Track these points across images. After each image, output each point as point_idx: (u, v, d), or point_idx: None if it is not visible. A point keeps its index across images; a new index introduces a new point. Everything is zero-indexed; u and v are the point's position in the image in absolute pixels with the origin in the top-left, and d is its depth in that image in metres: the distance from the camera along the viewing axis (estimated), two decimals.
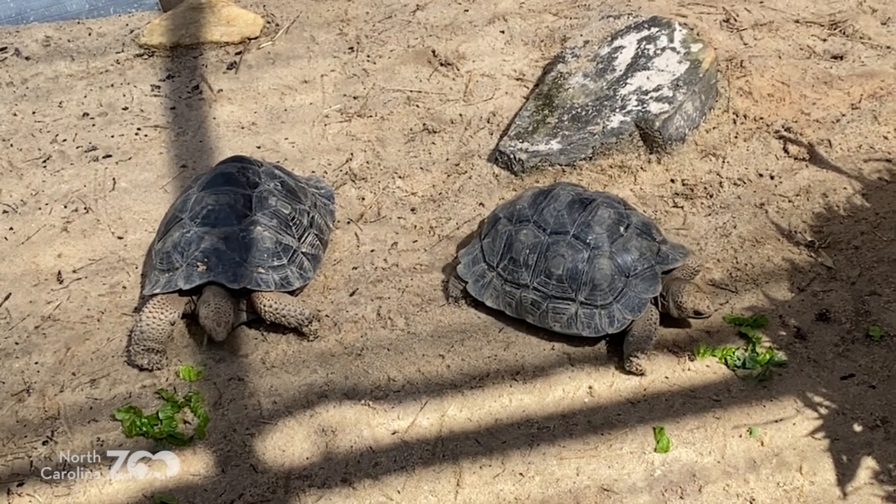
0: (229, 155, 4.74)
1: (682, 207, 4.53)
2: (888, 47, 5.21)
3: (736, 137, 4.77)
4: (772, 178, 4.61)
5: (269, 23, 5.76)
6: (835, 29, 5.36)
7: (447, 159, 4.84)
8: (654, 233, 4.02)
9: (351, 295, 4.23)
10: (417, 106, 5.14)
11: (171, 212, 4.25)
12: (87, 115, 5.20)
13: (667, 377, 3.86)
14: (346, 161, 4.87)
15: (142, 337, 3.86)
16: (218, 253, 3.97)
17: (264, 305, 3.95)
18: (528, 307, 3.97)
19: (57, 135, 5.08)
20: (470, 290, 4.10)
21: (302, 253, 4.15)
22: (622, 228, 3.95)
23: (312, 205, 4.32)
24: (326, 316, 4.12)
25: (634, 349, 3.84)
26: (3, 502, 3.52)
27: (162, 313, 3.88)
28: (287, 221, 4.15)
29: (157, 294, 3.95)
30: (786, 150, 4.71)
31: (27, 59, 5.58)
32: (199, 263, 3.94)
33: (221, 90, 5.32)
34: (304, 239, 4.19)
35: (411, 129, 5.02)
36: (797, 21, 5.43)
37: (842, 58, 5.16)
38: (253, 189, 4.17)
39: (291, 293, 4.08)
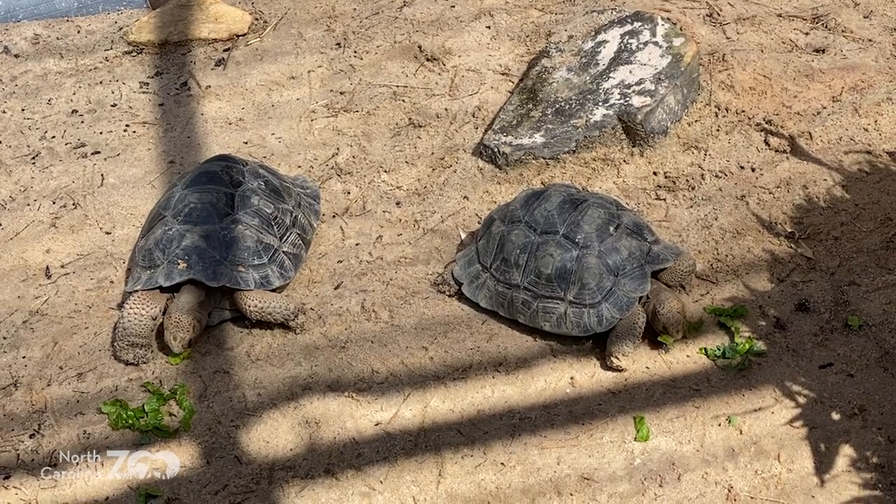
0: (217, 151, 4.78)
1: (664, 200, 4.56)
2: (870, 40, 5.24)
3: (718, 130, 4.80)
4: (753, 170, 4.65)
5: (256, 20, 5.78)
6: (817, 23, 5.39)
7: (432, 153, 4.88)
8: (645, 233, 4.04)
9: (336, 288, 4.26)
10: (403, 101, 5.17)
11: (155, 209, 4.28)
12: (76, 111, 5.24)
13: (647, 367, 3.90)
14: (332, 156, 4.90)
15: (125, 333, 3.90)
16: (199, 251, 3.99)
17: (248, 306, 3.97)
18: (520, 307, 3.99)
19: (46, 132, 5.11)
20: (465, 292, 4.13)
21: (283, 252, 4.17)
22: (612, 228, 3.97)
23: (296, 204, 4.35)
24: (311, 309, 4.15)
25: (617, 348, 3.87)
26: None
27: (143, 309, 3.91)
28: (269, 220, 4.17)
29: (138, 290, 3.98)
30: (767, 143, 4.75)
31: (16, 56, 5.61)
32: (179, 261, 3.97)
33: (209, 86, 5.35)
34: (286, 238, 4.20)
35: (397, 124, 5.05)
36: (780, 15, 5.46)
37: (823, 51, 5.18)
38: (236, 188, 4.20)
39: (272, 291, 4.10)
